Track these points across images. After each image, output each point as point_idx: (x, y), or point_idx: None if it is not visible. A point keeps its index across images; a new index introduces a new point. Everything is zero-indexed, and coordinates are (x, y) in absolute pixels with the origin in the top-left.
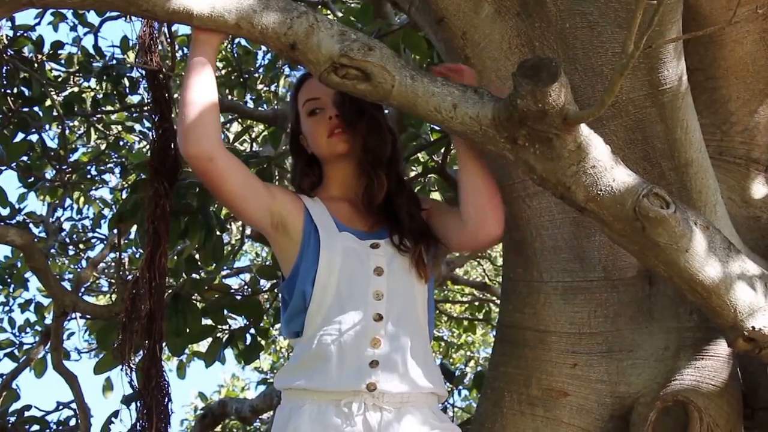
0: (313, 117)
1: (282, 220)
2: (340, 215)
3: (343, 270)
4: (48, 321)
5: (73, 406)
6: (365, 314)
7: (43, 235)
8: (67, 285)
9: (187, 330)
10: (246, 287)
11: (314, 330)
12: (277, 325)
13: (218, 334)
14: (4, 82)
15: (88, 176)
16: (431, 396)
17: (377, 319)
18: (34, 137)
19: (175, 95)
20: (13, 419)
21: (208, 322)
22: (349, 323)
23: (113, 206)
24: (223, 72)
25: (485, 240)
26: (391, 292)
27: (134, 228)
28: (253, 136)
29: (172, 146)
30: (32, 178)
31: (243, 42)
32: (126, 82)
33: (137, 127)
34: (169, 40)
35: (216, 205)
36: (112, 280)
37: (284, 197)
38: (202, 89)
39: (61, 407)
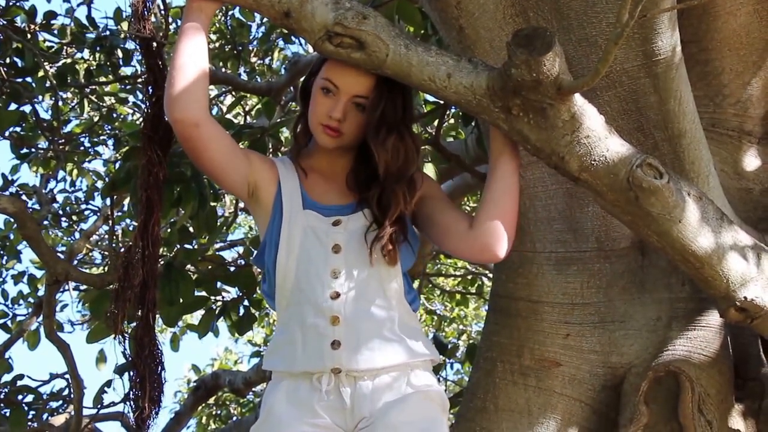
0: (323, 96)
1: (256, 189)
2: (312, 188)
3: (302, 250)
4: (41, 293)
5: (67, 376)
6: (323, 293)
7: (36, 206)
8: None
9: (180, 300)
10: (239, 259)
11: (281, 313)
12: None
13: (211, 306)
14: None
15: (82, 148)
16: (413, 364)
17: (334, 297)
18: (27, 108)
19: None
20: (5, 390)
21: (202, 293)
22: (308, 304)
23: (106, 178)
24: (217, 44)
25: (487, 258)
26: (350, 270)
27: (127, 200)
28: (247, 108)
29: (166, 114)
30: (25, 150)
31: (237, 14)
32: (119, 53)
33: (131, 98)
34: (162, 9)
35: None
36: (106, 252)
37: (261, 166)
38: (192, 55)
39: (54, 378)
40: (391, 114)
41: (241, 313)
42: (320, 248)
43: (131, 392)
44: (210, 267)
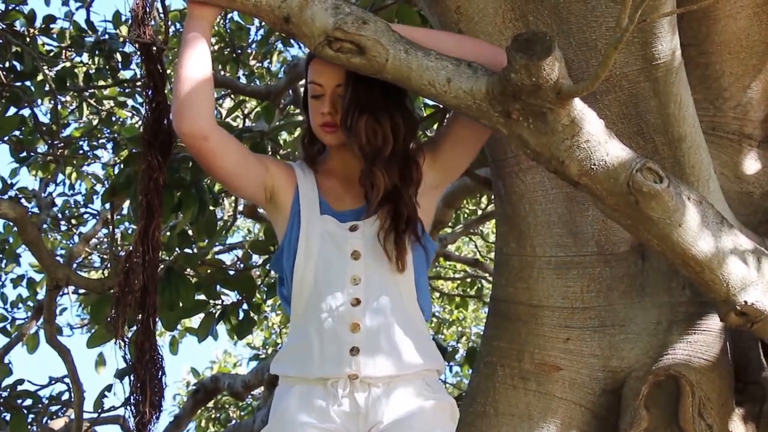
0: (313, 100)
1: (274, 194)
2: (329, 193)
3: (320, 256)
4: (40, 296)
5: (66, 380)
6: (343, 300)
7: (35, 210)
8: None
9: (180, 304)
10: (239, 262)
11: (297, 319)
12: (270, 301)
13: (211, 310)
14: None
15: (81, 151)
16: (424, 372)
17: (355, 303)
18: (26, 112)
19: (169, 71)
20: (5, 394)
21: (201, 297)
22: (327, 310)
23: (105, 182)
24: (216, 48)
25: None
26: (370, 276)
27: (127, 203)
28: (246, 112)
29: (165, 120)
30: (24, 153)
31: (236, 17)
32: (118, 56)
33: (129, 102)
34: (162, 14)
35: (209, 179)
36: (105, 256)
37: (278, 171)
38: (196, 65)
39: (53, 382)
40: (365, 96)
41: (240, 317)
42: (339, 254)
43: (132, 397)
44: (209, 271)
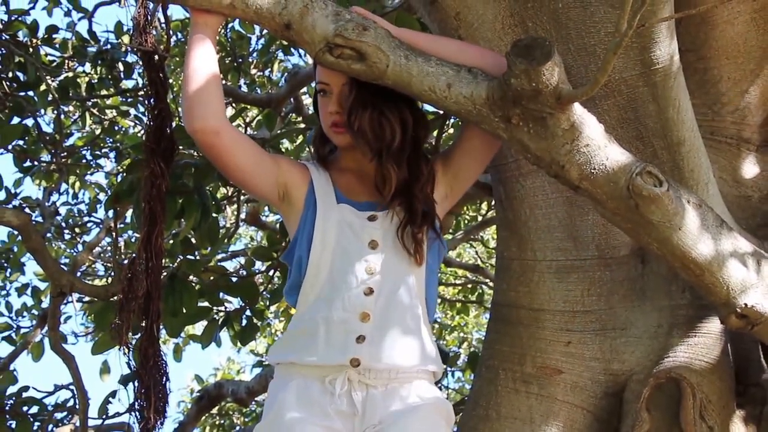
0: (321, 98)
1: (287, 190)
2: (344, 186)
3: (337, 244)
4: (45, 305)
5: (71, 387)
6: (356, 289)
7: (39, 219)
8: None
9: (184, 311)
10: (242, 269)
11: (307, 306)
12: (273, 308)
13: (214, 316)
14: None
15: (84, 161)
16: (423, 373)
17: (368, 293)
18: (29, 122)
19: (171, 80)
20: (11, 402)
21: (205, 304)
22: (339, 298)
23: (108, 191)
24: (217, 57)
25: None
26: (385, 267)
27: (130, 212)
28: (247, 120)
29: (168, 127)
30: (28, 163)
31: (237, 26)
32: (120, 66)
33: (132, 111)
34: (163, 22)
35: (212, 186)
36: (108, 264)
37: (290, 167)
38: (203, 64)
39: (59, 389)
40: (370, 92)
41: (243, 324)
42: (357, 243)
43: (136, 403)
44: (212, 278)
